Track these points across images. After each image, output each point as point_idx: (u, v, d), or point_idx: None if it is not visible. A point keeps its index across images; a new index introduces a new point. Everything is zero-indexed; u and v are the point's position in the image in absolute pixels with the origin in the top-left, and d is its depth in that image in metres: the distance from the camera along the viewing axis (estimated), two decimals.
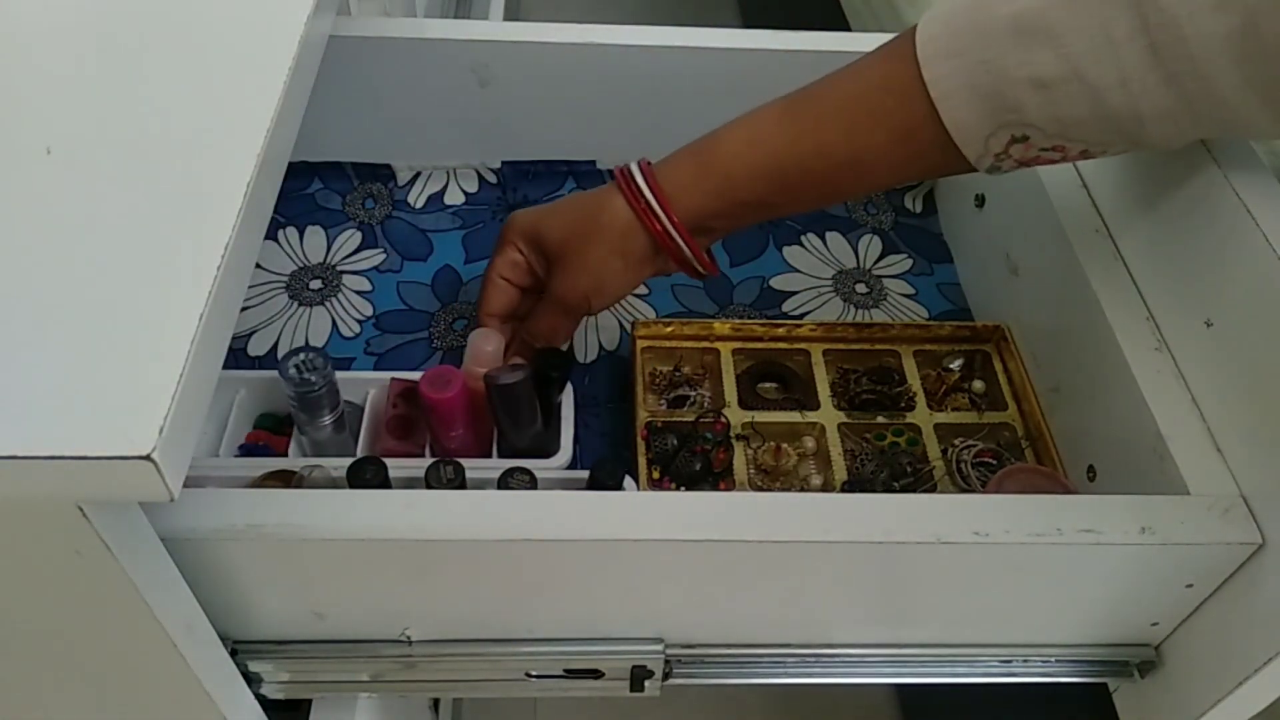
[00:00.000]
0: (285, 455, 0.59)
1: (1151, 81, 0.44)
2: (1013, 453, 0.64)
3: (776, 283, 0.76)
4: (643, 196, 0.56)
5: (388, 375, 0.61)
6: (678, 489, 0.59)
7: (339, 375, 0.60)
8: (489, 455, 0.60)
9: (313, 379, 0.56)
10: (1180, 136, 0.47)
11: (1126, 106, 0.46)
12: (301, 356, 0.56)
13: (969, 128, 0.49)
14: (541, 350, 0.63)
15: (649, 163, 0.57)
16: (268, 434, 0.62)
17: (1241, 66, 0.43)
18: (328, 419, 0.58)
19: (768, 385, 0.67)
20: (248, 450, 0.61)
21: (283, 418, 0.63)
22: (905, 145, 0.52)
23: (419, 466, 0.54)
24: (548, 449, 0.59)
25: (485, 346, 0.59)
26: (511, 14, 1.64)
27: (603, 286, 0.59)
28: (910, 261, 0.78)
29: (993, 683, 0.54)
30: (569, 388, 0.62)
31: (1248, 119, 0.45)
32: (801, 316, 0.73)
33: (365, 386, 0.62)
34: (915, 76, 0.49)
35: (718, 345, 0.67)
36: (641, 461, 0.60)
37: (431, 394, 0.56)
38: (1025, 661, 0.54)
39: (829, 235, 0.79)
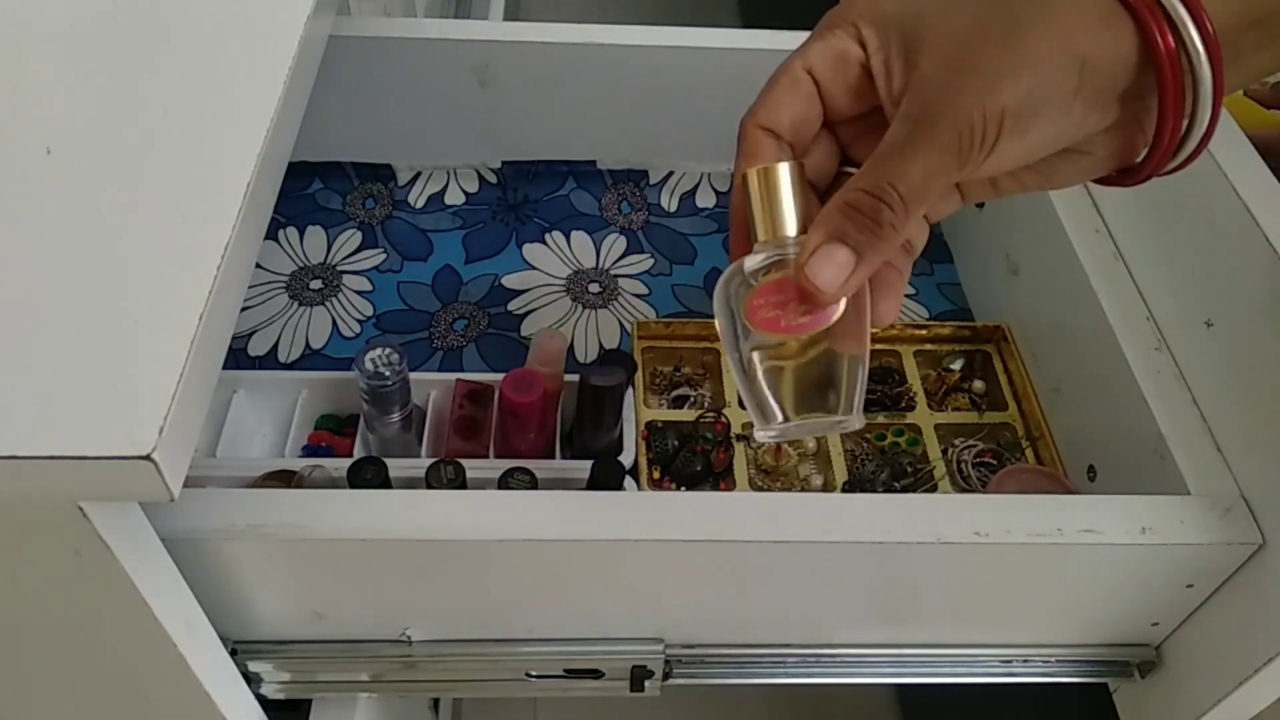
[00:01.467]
0: (349, 456, 0.59)
1: None
2: (1013, 453, 0.64)
3: None
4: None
5: (452, 376, 0.62)
6: (678, 489, 0.59)
7: None
8: (553, 457, 0.60)
9: (387, 374, 0.56)
10: None
11: None
12: (378, 351, 0.56)
13: None
14: (610, 351, 0.62)
15: None
16: (330, 435, 0.62)
17: None
18: (397, 416, 0.58)
19: None
20: (310, 451, 0.61)
21: (344, 419, 0.63)
22: None
23: (489, 469, 0.55)
24: (616, 450, 0.60)
25: (549, 346, 0.59)
26: (511, 14, 1.64)
27: (1036, 109, 0.33)
28: None
29: (993, 683, 0.54)
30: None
31: None
32: None
33: (428, 387, 0.62)
34: None
35: (718, 345, 0.67)
36: (642, 461, 0.60)
37: (515, 397, 0.56)
38: (1025, 661, 0.54)
39: None
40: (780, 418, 0.36)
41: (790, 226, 0.35)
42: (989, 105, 0.33)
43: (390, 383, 0.56)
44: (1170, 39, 0.32)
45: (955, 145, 0.33)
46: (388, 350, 0.56)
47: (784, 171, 0.35)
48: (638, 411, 0.62)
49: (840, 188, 0.35)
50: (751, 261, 0.36)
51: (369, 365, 0.56)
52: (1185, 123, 0.34)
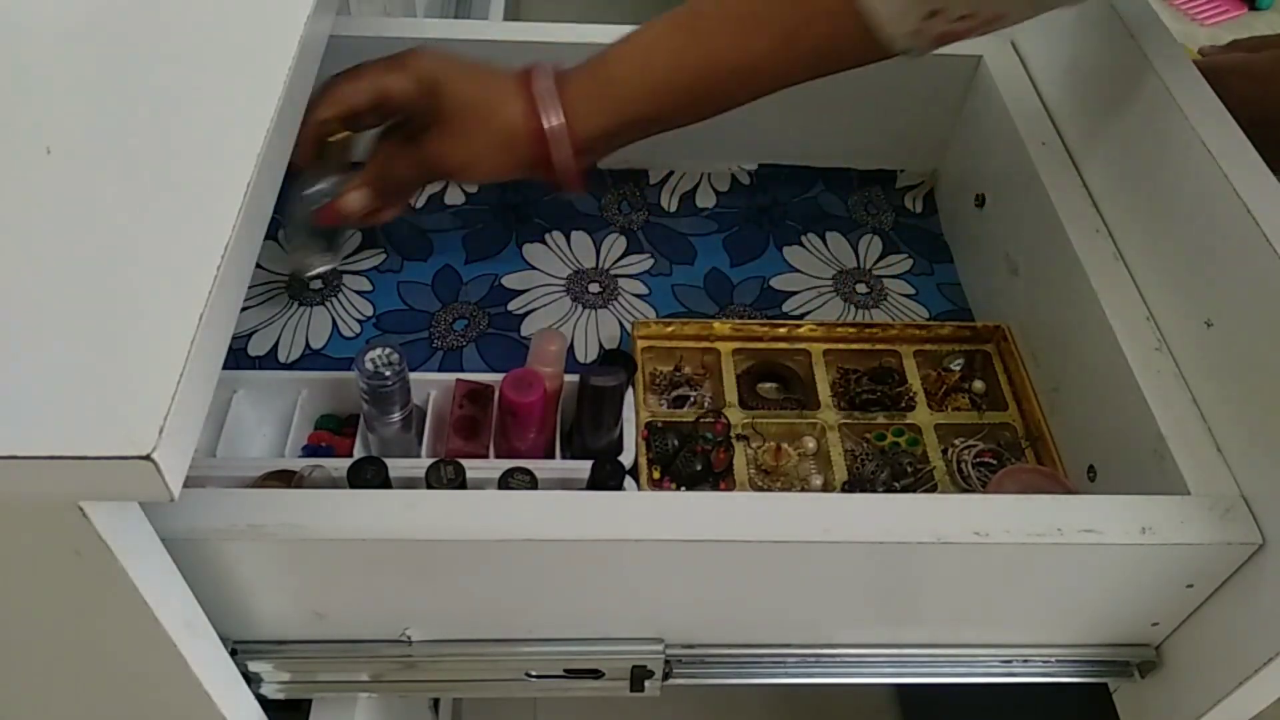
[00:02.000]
0: (349, 456, 0.59)
1: None
2: (1013, 453, 0.64)
3: (776, 283, 0.76)
4: (550, 122, 0.56)
5: (452, 376, 0.62)
6: (678, 489, 0.59)
7: None
8: (553, 457, 0.60)
9: (387, 374, 0.56)
10: None
11: None
12: (378, 351, 0.56)
13: (884, 5, 0.49)
14: (610, 351, 0.64)
15: (559, 74, 0.57)
16: (330, 435, 0.62)
17: None
18: (397, 416, 0.58)
19: (768, 385, 0.67)
20: (310, 451, 0.61)
21: (344, 419, 0.63)
22: (805, 41, 0.53)
23: (489, 469, 0.55)
24: (616, 450, 0.60)
25: (550, 346, 0.59)
26: (511, 14, 1.63)
27: (475, 168, 0.59)
28: (910, 261, 0.78)
29: (993, 683, 0.54)
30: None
31: None
32: (802, 316, 0.73)
33: (428, 387, 0.62)
34: None
35: (718, 345, 0.67)
36: (642, 461, 0.60)
37: (515, 397, 0.56)
38: (1025, 661, 0.54)
39: (829, 235, 0.79)
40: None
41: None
42: (452, 158, 0.58)
43: (390, 383, 0.56)
44: (552, 153, 0.56)
45: (425, 170, 0.60)
46: (388, 350, 0.56)
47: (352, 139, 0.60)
48: (638, 411, 0.62)
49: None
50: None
51: (369, 365, 0.56)
52: (563, 183, 0.58)
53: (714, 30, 0.55)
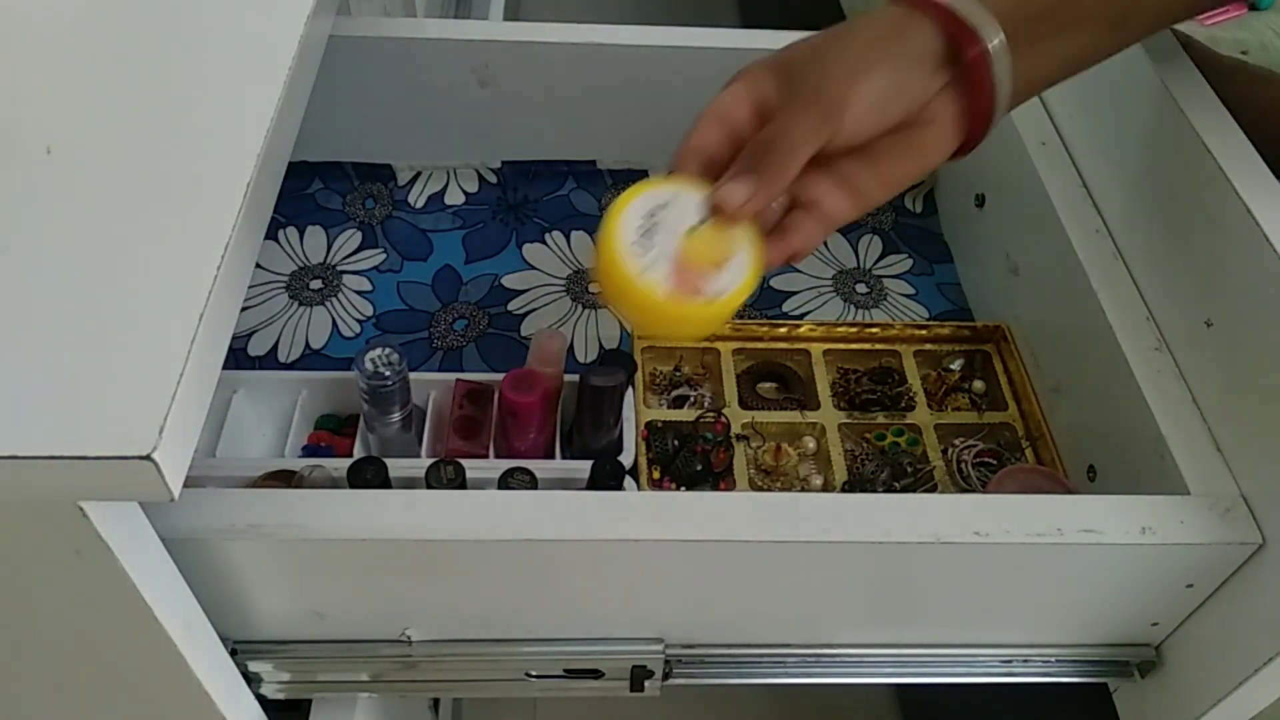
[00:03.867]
0: (349, 456, 0.59)
1: None
2: (1013, 453, 0.64)
3: (777, 283, 0.76)
4: (976, 25, 0.43)
5: (452, 376, 0.62)
6: (678, 489, 0.59)
7: None
8: (553, 457, 0.60)
9: (387, 374, 0.56)
10: None
11: None
12: (378, 351, 0.56)
13: None
14: (610, 351, 0.63)
15: None
16: (329, 434, 0.62)
17: None
18: (397, 416, 0.58)
19: (768, 385, 0.67)
20: (310, 451, 0.61)
21: (344, 419, 0.63)
22: None
23: (489, 469, 0.55)
24: (616, 450, 0.60)
25: (550, 346, 0.59)
26: (511, 14, 1.63)
27: (868, 80, 0.43)
28: (910, 261, 0.78)
29: (993, 683, 0.54)
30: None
31: None
32: (801, 316, 0.73)
33: (428, 387, 0.62)
34: None
35: (718, 345, 0.67)
36: (642, 461, 0.60)
37: (515, 397, 0.56)
38: (1025, 661, 0.54)
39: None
40: None
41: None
42: (833, 79, 0.43)
43: (390, 383, 0.56)
44: (975, 43, 0.43)
45: (814, 105, 0.43)
46: (388, 350, 0.56)
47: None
48: (638, 411, 0.62)
49: None
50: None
51: (369, 365, 0.56)
52: (988, 74, 0.43)
53: None
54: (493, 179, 0.80)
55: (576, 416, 0.60)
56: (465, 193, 0.80)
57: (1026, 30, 0.44)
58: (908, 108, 0.44)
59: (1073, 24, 0.46)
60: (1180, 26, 0.69)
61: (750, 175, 0.44)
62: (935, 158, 0.46)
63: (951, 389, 0.67)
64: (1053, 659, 0.54)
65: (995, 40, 0.43)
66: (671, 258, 0.44)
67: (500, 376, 0.59)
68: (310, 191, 0.79)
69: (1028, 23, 0.44)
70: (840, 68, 0.44)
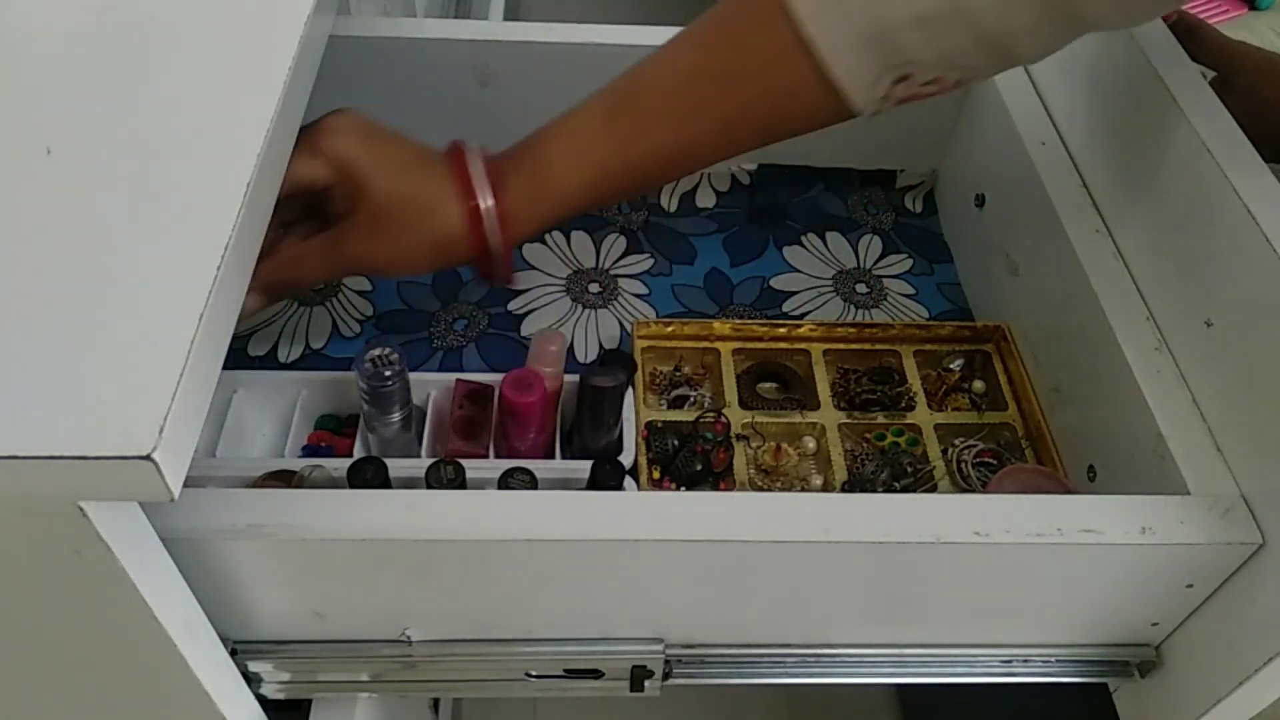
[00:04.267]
0: (349, 456, 0.59)
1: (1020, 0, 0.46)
2: (1013, 453, 0.64)
3: (776, 283, 0.76)
4: (493, 235, 0.54)
5: (452, 376, 0.62)
6: (678, 489, 0.59)
7: None
8: (553, 457, 0.60)
9: (387, 374, 0.56)
10: (1047, 46, 0.49)
11: (999, 25, 0.47)
12: (377, 351, 0.56)
13: (857, 75, 0.49)
14: (610, 351, 0.64)
15: (492, 165, 0.54)
16: (330, 434, 0.62)
17: None
18: (397, 416, 0.58)
19: (768, 385, 0.67)
20: (310, 451, 0.61)
21: (344, 419, 0.63)
22: (755, 119, 0.52)
23: (489, 469, 0.55)
24: (616, 450, 0.60)
25: (550, 346, 0.59)
26: (511, 14, 1.63)
27: (404, 267, 0.56)
28: (910, 261, 0.78)
29: (993, 683, 0.54)
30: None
31: (1100, 17, 0.47)
32: (801, 316, 0.73)
33: (428, 387, 0.62)
34: (783, 39, 0.48)
35: (718, 345, 0.67)
36: (641, 461, 0.60)
37: (515, 397, 0.56)
38: (1025, 661, 0.54)
39: (829, 235, 0.79)
40: None
41: None
42: (376, 260, 0.55)
43: (390, 383, 0.56)
44: (487, 255, 0.54)
45: (341, 267, 0.57)
46: (387, 350, 0.56)
47: None
48: (638, 411, 0.62)
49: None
50: None
51: (369, 365, 0.56)
52: (496, 275, 0.56)
53: (652, 119, 0.53)
54: None
55: (576, 417, 0.60)
56: None
57: (542, 227, 0.56)
58: (441, 266, 0.57)
59: (593, 208, 0.58)
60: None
61: (271, 300, 0.56)
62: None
63: (951, 389, 0.67)
64: (1053, 659, 0.54)
65: (496, 242, 0.54)
66: None
67: (500, 376, 0.59)
68: None
69: (545, 225, 0.55)
70: (387, 256, 0.54)
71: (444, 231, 0.54)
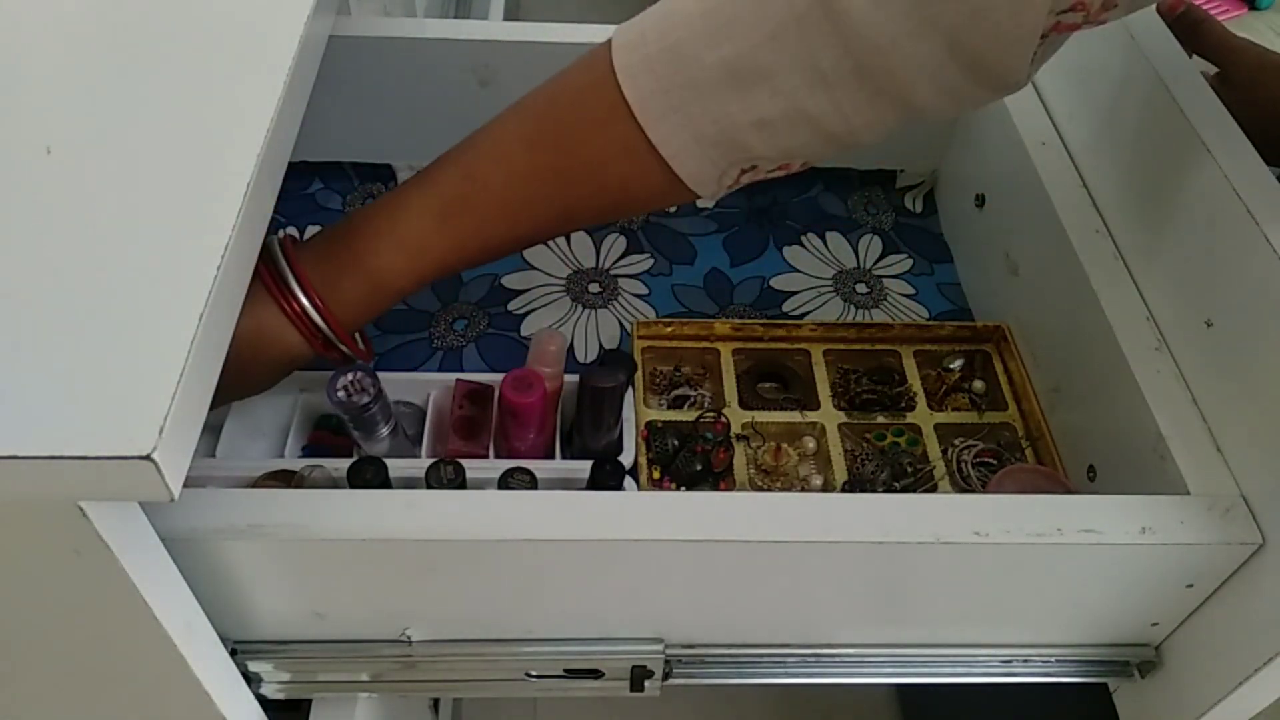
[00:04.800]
0: (349, 456, 0.59)
1: (861, 99, 0.46)
2: (1013, 453, 0.64)
3: (776, 283, 0.76)
4: (317, 330, 0.54)
5: (452, 376, 0.62)
6: (678, 489, 0.59)
7: (403, 375, 0.62)
8: (553, 457, 0.60)
9: (364, 400, 0.55)
10: (885, 133, 0.49)
11: (842, 124, 0.47)
12: (349, 377, 0.55)
13: (702, 173, 0.49)
14: (610, 351, 0.64)
15: (317, 268, 0.54)
16: (330, 434, 0.62)
17: (938, 77, 0.45)
18: (384, 431, 0.58)
19: (768, 385, 0.67)
20: (311, 451, 0.61)
21: None
22: (591, 208, 0.53)
23: (489, 469, 0.55)
24: (616, 450, 0.60)
25: (549, 347, 0.60)
26: (511, 14, 1.64)
27: (247, 392, 0.58)
28: (910, 261, 0.78)
29: (993, 683, 0.54)
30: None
31: (939, 111, 0.47)
32: (801, 316, 0.73)
33: (428, 387, 0.62)
34: (624, 138, 0.49)
35: (718, 345, 0.67)
36: (641, 461, 0.60)
37: (515, 397, 0.56)
38: (1025, 661, 0.54)
39: (829, 235, 0.79)
40: None
41: None
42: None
43: (369, 406, 0.56)
44: (330, 351, 0.55)
45: None
46: (358, 375, 0.55)
47: None
48: (638, 411, 0.62)
49: None
50: None
51: (341, 394, 0.55)
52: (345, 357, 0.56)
53: (491, 220, 0.53)
54: None
55: (576, 417, 0.60)
56: None
57: (370, 317, 0.56)
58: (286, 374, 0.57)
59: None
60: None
61: None
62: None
63: (951, 389, 0.67)
64: (1053, 659, 0.54)
65: (320, 347, 0.55)
66: None
67: (500, 376, 0.59)
68: (310, 191, 0.79)
69: (373, 315, 0.56)
70: (244, 390, 0.56)
71: (286, 358, 0.55)
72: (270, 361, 0.54)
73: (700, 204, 0.81)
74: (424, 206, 0.53)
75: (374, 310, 0.56)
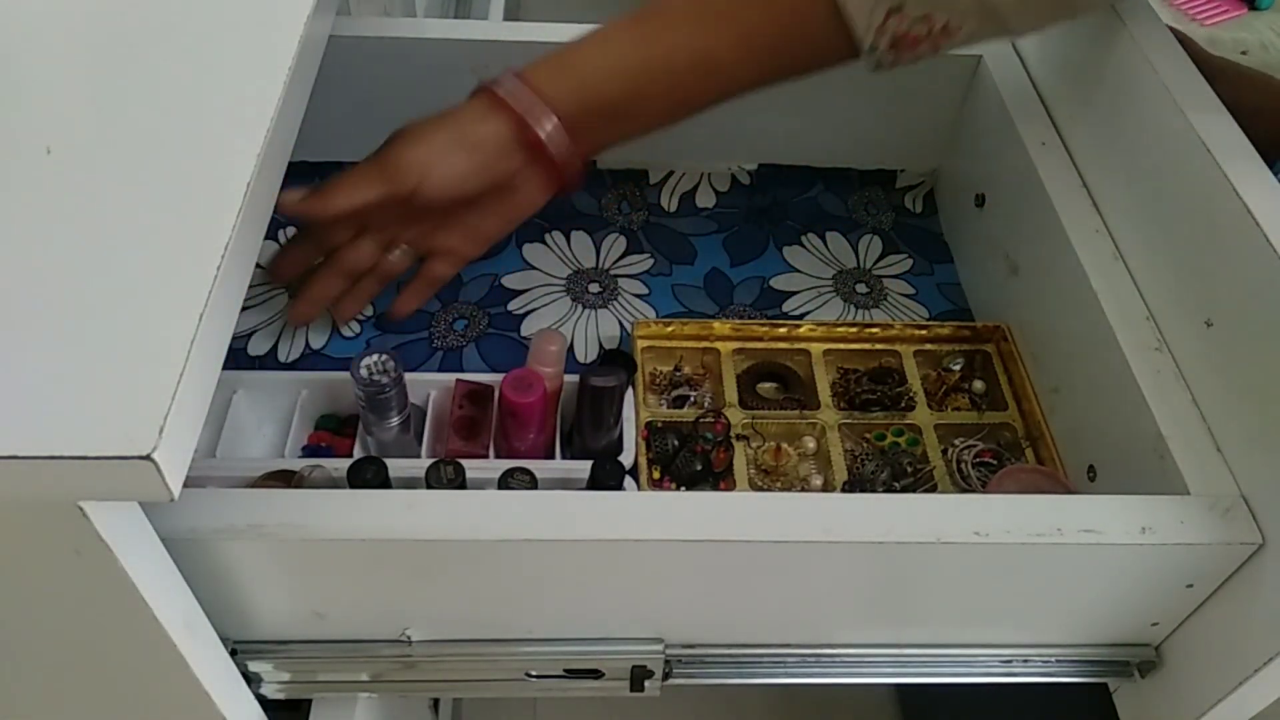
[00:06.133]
0: (349, 456, 0.59)
1: None
2: (1013, 453, 0.64)
3: (776, 283, 0.76)
4: (504, 85, 0.57)
5: (452, 376, 0.62)
6: (678, 489, 0.59)
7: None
8: (553, 457, 0.60)
9: (383, 381, 0.56)
10: (1035, 21, 0.51)
11: None
12: (374, 358, 0.56)
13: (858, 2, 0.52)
14: (610, 351, 0.65)
15: (516, 73, 0.58)
16: (330, 435, 0.62)
17: None
18: (395, 420, 0.58)
19: (768, 385, 0.67)
20: (311, 451, 0.61)
21: (344, 419, 0.63)
22: (767, 35, 0.56)
23: (489, 469, 0.55)
24: (616, 450, 0.60)
25: (549, 346, 0.60)
26: (511, 14, 1.64)
27: (436, 164, 0.58)
28: (910, 261, 0.78)
29: (993, 683, 0.54)
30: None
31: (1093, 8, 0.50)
32: (801, 316, 0.73)
33: (428, 387, 0.62)
34: None
35: (718, 345, 0.67)
36: (642, 461, 0.60)
37: (515, 397, 0.56)
38: (1025, 661, 0.54)
39: (829, 235, 0.79)
40: None
41: None
42: (407, 155, 0.58)
43: (387, 389, 0.56)
44: (531, 130, 0.57)
45: (381, 175, 0.59)
46: (383, 356, 0.56)
47: None
48: (638, 411, 0.62)
49: None
50: None
51: (364, 373, 0.56)
52: (549, 151, 0.58)
53: (675, 23, 0.57)
54: None
55: (576, 417, 0.60)
56: None
57: (585, 123, 0.58)
58: (491, 180, 0.59)
59: (631, 118, 0.59)
60: (1180, 26, 0.69)
61: (310, 197, 0.59)
62: (526, 211, 0.63)
63: (951, 389, 0.67)
64: (1053, 659, 0.54)
65: (549, 126, 0.57)
66: None
67: (500, 376, 0.59)
68: None
69: (586, 117, 0.58)
70: (418, 151, 0.58)
71: (468, 118, 0.58)
72: (456, 133, 0.58)
73: (701, 204, 0.81)
74: (619, 17, 0.58)
75: (569, 91, 0.58)
